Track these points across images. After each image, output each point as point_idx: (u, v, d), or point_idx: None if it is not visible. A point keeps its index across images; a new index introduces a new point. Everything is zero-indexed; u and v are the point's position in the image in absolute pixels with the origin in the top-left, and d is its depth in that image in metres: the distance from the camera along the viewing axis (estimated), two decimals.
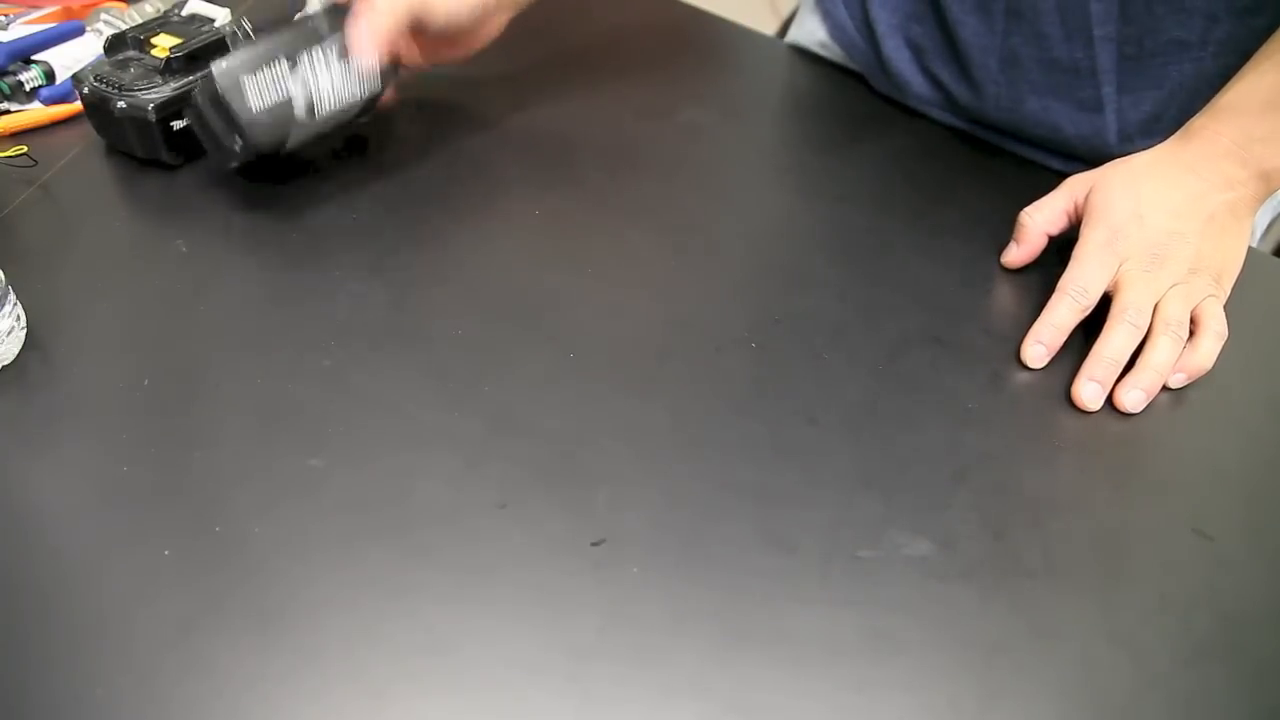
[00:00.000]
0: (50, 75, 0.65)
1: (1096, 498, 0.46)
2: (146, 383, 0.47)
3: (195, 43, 0.58)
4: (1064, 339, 0.52)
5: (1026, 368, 0.52)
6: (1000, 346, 0.52)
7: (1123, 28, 0.58)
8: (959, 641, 0.40)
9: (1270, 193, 0.54)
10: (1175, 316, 0.51)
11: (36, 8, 0.72)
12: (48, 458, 0.44)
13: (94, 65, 0.58)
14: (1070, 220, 0.56)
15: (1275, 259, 0.63)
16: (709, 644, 0.39)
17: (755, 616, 0.40)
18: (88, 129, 0.60)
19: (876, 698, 0.38)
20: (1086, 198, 0.55)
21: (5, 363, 0.47)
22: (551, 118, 0.66)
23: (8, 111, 0.63)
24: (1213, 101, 0.55)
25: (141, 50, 0.60)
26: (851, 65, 0.73)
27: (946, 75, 0.66)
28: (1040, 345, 0.52)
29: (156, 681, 0.37)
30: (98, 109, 0.58)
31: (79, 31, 0.68)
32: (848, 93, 0.71)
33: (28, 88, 0.64)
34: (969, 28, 0.62)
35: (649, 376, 0.50)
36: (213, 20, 0.63)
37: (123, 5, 0.71)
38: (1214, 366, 0.51)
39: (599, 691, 0.38)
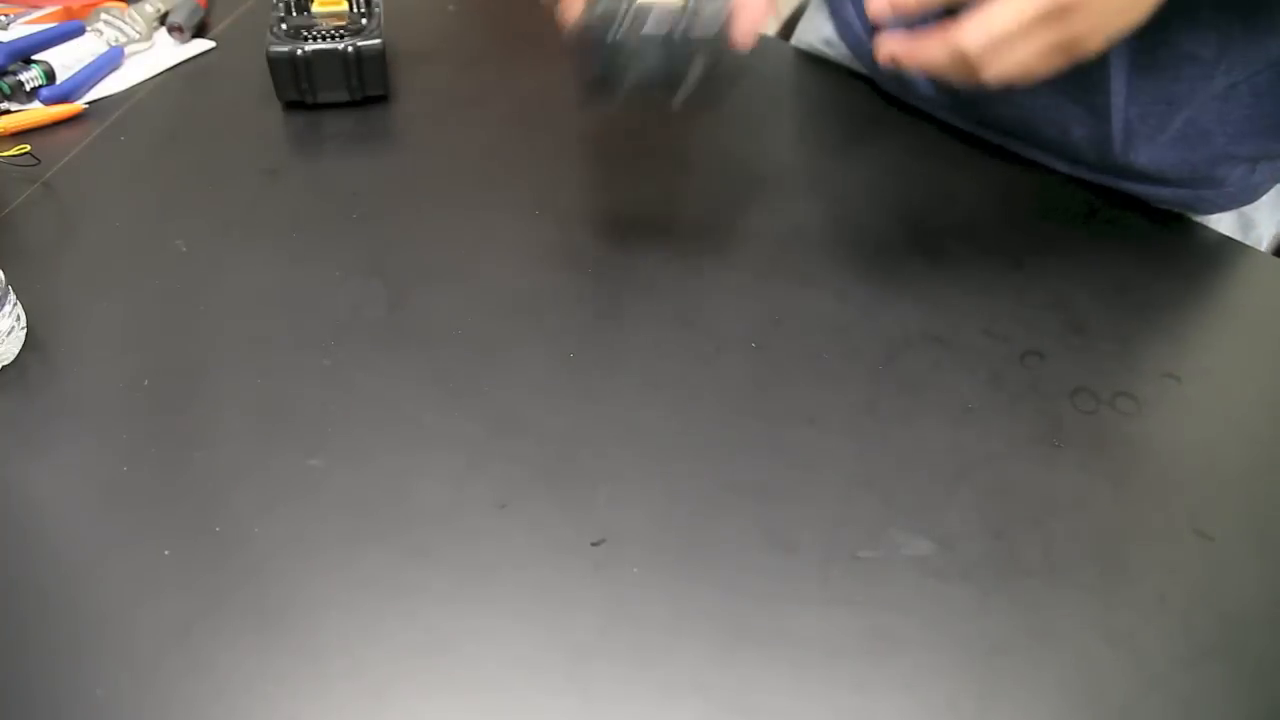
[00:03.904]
0: (50, 75, 0.65)
1: (1096, 498, 0.46)
2: (146, 383, 0.47)
3: None
4: (916, 10, 0.46)
5: (1026, 367, 0.51)
6: (1000, 346, 0.52)
7: (1135, 38, 0.58)
8: (958, 641, 0.40)
9: None
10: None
11: (36, 8, 0.72)
12: (48, 458, 0.44)
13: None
14: None
15: (1275, 259, 0.63)
16: (709, 644, 0.39)
17: (755, 616, 0.40)
18: (88, 128, 0.60)
19: (876, 698, 0.38)
20: None
21: (5, 363, 0.47)
22: (552, 118, 0.66)
23: (8, 111, 0.63)
24: None
25: None
26: (857, 64, 0.73)
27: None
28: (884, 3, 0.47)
29: (156, 681, 0.37)
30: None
31: (79, 31, 0.68)
32: (848, 93, 0.71)
33: (28, 87, 0.64)
34: None
35: (649, 376, 0.50)
36: None
37: (123, 5, 0.71)
38: (1214, 366, 0.51)
39: (599, 691, 0.38)
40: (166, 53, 0.70)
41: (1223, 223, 0.65)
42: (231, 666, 0.37)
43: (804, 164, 0.65)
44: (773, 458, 0.46)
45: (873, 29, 0.68)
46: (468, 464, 0.45)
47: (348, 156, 0.62)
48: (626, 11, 0.49)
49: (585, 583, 0.41)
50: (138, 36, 0.70)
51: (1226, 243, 0.61)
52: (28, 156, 0.58)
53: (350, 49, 0.63)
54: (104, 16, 0.70)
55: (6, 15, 0.71)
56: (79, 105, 0.64)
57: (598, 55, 0.50)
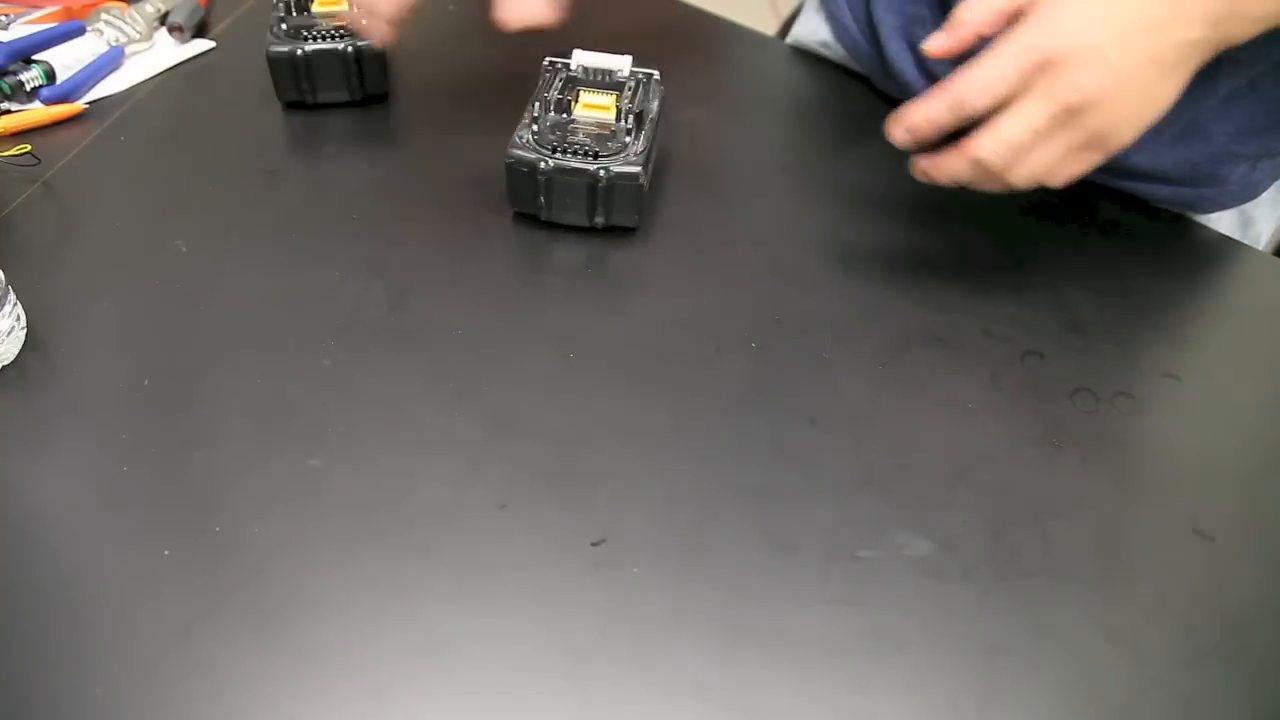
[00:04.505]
0: (51, 75, 0.65)
1: (1096, 498, 0.46)
2: (146, 383, 0.47)
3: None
4: (933, 133, 0.49)
5: (1026, 367, 0.51)
6: (1000, 346, 0.52)
7: None
8: (959, 641, 0.40)
9: (1220, 42, 0.47)
10: (1007, 135, 0.46)
11: (37, 8, 0.72)
12: (48, 458, 0.44)
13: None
14: (1009, 22, 0.49)
15: (1275, 259, 0.63)
16: (709, 644, 0.39)
17: (755, 616, 0.40)
18: (88, 128, 0.60)
19: (877, 698, 0.38)
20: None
21: (5, 363, 0.47)
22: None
23: (8, 111, 0.63)
24: None
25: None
26: (854, 65, 0.73)
27: (947, 77, 0.66)
28: (901, 127, 0.49)
29: (156, 681, 0.37)
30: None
31: (79, 31, 0.68)
32: (848, 93, 0.71)
33: (28, 87, 0.64)
34: None
35: (649, 376, 0.50)
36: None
37: (123, 5, 0.71)
38: (1213, 366, 0.51)
39: (599, 691, 0.38)
40: (167, 53, 0.70)
41: (1223, 220, 0.65)
42: (231, 666, 0.37)
43: (803, 163, 0.65)
44: (773, 458, 0.46)
45: (872, 33, 0.68)
46: (468, 464, 0.45)
47: (348, 157, 0.62)
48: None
49: (585, 583, 0.41)
50: (138, 36, 0.70)
51: (1226, 242, 0.61)
52: (28, 156, 0.58)
53: (350, 49, 0.62)
54: (104, 16, 0.70)
55: (6, 15, 0.71)
56: (79, 105, 0.64)
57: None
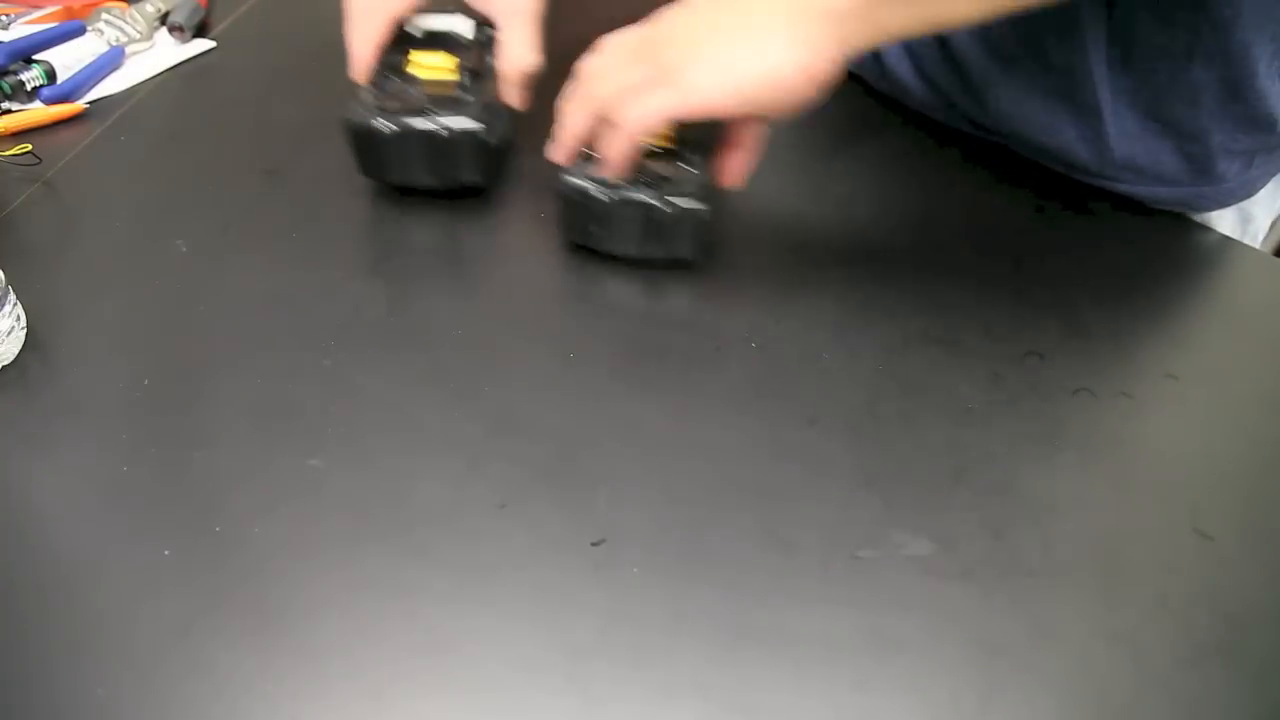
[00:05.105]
0: (51, 75, 0.65)
1: (1096, 498, 0.46)
2: (146, 383, 0.47)
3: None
4: (576, 139, 0.51)
5: (1026, 367, 0.51)
6: (1000, 346, 0.52)
7: (1111, 33, 0.58)
8: (959, 641, 0.40)
9: (847, 38, 0.45)
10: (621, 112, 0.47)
11: (37, 7, 0.72)
12: (48, 458, 0.44)
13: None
14: None
15: (1274, 259, 0.63)
16: (709, 644, 0.39)
17: (755, 616, 0.40)
18: (89, 128, 0.60)
19: (877, 697, 0.38)
20: None
21: (5, 363, 0.47)
22: (550, 118, 0.66)
23: (9, 111, 0.63)
24: None
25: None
26: (850, 66, 0.73)
27: (945, 82, 0.66)
28: (555, 141, 0.51)
29: (156, 681, 0.37)
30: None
31: (80, 31, 0.68)
32: (847, 93, 0.71)
33: (29, 87, 0.64)
34: (963, 36, 0.62)
35: (649, 376, 0.50)
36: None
37: (123, 5, 0.71)
38: (1213, 366, 0.51)
39: (599, 691, 0.38)
40: (167, 53, 0.70)
41: (1223, 219, 0.65)
42: (231, 666, 0.37)
43: (801, 163, 0.65)
44: (773, 458, 0.46)
45: None
46: (468, 464, 0.45)
47: (347, 157, 0.62)
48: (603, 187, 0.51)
49: (585, 583, 0.41)
50: (138, 36, 0.70)
51: (1225, 242, 0.61)
52: (29, 156, 0.58)
53: (447, 131, 0.53)
54: (105, 16, 0.70)
55: (7, 15, 0.71)
56: (80, 105, 0.64)
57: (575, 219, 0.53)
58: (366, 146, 0.55)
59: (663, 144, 0.53)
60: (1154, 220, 0.62)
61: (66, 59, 0.66)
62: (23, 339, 0.48)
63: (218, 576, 0.40)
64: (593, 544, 0.42)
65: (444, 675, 0.38)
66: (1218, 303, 0.58)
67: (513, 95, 0.57)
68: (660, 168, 0.52)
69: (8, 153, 0.58)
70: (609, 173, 0.51)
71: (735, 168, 0.52)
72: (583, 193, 0.52)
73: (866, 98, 0.70)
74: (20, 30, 0.69)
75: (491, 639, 0.39)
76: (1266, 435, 0.50)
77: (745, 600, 0.41)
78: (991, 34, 0.61)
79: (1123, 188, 0.62)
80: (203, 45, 0.71)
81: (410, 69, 0.56)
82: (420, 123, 0.53)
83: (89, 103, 0.65)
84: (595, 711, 0.37)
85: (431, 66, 0.56)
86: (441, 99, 0.54)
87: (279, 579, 0.40)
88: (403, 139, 0.53)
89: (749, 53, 0.45)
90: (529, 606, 0.40)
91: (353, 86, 0.56)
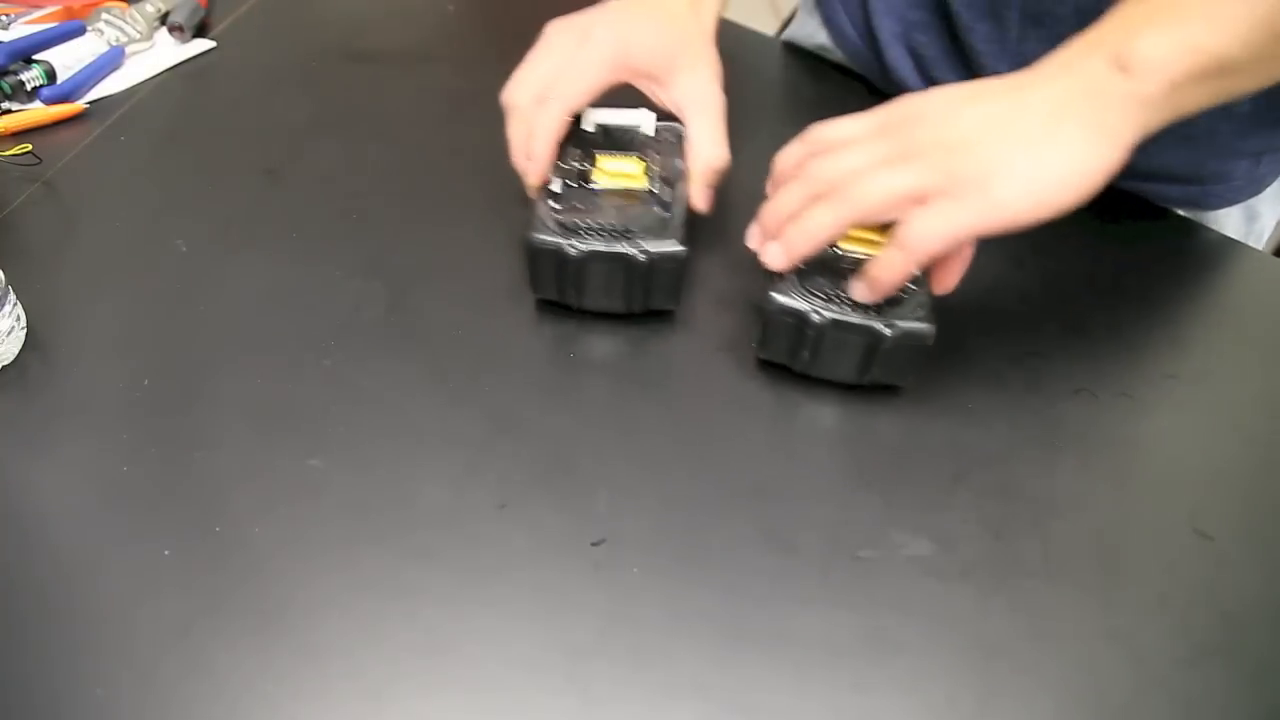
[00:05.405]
0: (51, 75, 0.65)
1: (1096, 498, 0.46)
2: (146, 383, 0.47)
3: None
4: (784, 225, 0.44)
5: (1026, 367, 0.51)
6: (1000, 346, 0.52)
7: None
8: (958, 641, 0.40)
9: (1143, 93, 0.40)
10: (855, 190, 0.41)
11: (37, 7, 0.72)
12: (48, 458, 0.44)
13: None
14: None
15: (1276, 259, 0.63)
16: (709, 644, 0.39)
17: (755, 616, 0.40)
18: (89, 128, 0.60)
19: (876, 697, 0.38)
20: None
21: (5, 363, 0.47)
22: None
23: (9, 111, 0.63)
24: None
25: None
26: (854, 68, 0.73)
27: (948, 82, 0.66)
28: (756, 226, 0.45)
29: (156, 681, 0.37)
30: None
31: (80, 31, 0.68)
32: (848, 93, 0.71)
33: (29, 87, 0.64)
34: (980, 34, 0.62)
35: (649, 376, 0.50)
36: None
37: (123, 5, 0.71)
38: (1214, 367, 0.51)
39: (599, 691, 0.38)
40: (167, 53, 0.70)
41: (1230, 216, 0.65)
42: (231, 666, 0.37)
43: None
44: (773, 458, 0.46)
45: (870, 39, 0.68)
46: (467, 464, 0.45)
47: (346, 156, 0.62)
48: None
49: (585, 583, 0.41)
50: (138, 36, 0.70)
51: (1227, 243, 0.61)
52: (29, 156, 0.58)
53: (644, 255, 0.46)
54: (105, 16, 0.70)
55: (7, 15, 0.71)
56: (80, 105, 0.64)
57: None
58: (547, 266, 0.48)
59: (866, 245, 0.45)
60: (1155, 220, 0.62)
61: (66, 59, 0.66)
62: (23, 339, 0.48)
63: (218, 576, 0.40)
64: (593, 544, 0.42)
65: (444, 675, 0.38)
66: (1218, 303, 0.58)
67: (700, 198, 0.51)
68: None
69: (8, 153, 0.58)
70: (867, 296, 0.43)
71: (953, 275, 0.45)
72: (799, 315, 0.43)
73: (867, 97, 0.70)
74: (20, 30, 0.69)
75: (491, 639, 0.39)
76: (1266, 436, 0.50)
77: (745, 601, 0.41)
78: (1010, 34, 0.61)
79: (1130, 186, 0.62)
80: (203, 45, 0.71)
81: (596, 175, 0.49)
82: (616, 245, 0.46)
83: (89, 103, 0.65)
84: (595, 711, 0.37)
85: (618, 174, 0.49)
86: (632, 213, 0.48)
87: (279, 579, 0.40)
88: (592, 260, 0.46)
89: (1054, 155, 0.40)
90: (529, 607, 0.40)
91: (522, 193, 0.50)
